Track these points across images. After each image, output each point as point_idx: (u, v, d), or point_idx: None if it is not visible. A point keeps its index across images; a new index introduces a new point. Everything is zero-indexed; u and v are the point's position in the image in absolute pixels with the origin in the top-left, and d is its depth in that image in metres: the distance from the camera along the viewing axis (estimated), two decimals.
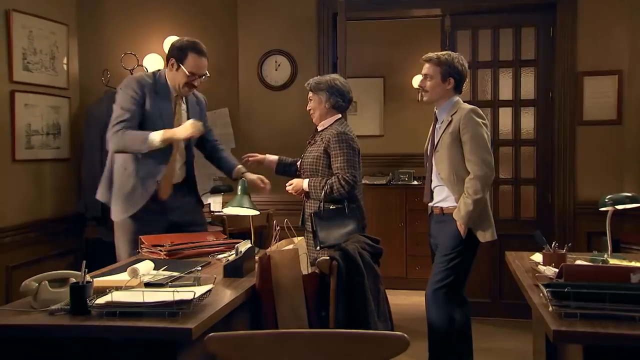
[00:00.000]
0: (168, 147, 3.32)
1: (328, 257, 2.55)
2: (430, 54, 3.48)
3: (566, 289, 1.98)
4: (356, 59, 6.37)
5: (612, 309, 1.95)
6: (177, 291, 2.10)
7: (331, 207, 3.38)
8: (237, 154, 5.13)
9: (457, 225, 3.34)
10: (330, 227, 3.31)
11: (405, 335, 1.45)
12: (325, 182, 3.39)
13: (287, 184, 3.55)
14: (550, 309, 2.03)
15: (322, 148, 3.45)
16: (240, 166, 3.62)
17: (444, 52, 3.50)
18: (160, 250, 3.15)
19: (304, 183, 3.47)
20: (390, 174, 6.61)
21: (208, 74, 3.41)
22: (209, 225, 4.48)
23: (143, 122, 3.29)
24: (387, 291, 5.61)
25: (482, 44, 5.05)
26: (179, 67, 3.29)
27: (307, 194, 3.50)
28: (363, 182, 6.29)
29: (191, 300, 2.06)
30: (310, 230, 3.40)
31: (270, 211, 4.47)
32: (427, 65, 3.47)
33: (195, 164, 5.08)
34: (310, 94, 3.58)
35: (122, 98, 3.29)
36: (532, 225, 4.96)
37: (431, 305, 3.43)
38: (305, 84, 3.63)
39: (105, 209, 4.34)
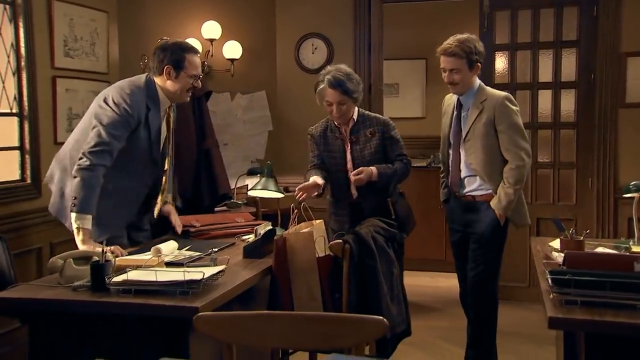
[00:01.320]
0: (150, 169, 3.08)
1: (341, 241, 2.60)
2: (451, 47, 3.27)
3: (567, 276, 1.98)
4: (397, 40, 6.36)
5: (614, 297, 1.94)
6: (187, 271, 2.20)
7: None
8: (274, 136, 5.24)
9: (494, 213, 3.31)
10: (404, 213, 3.35)
11: (384, 319, 1.49)
12: (394, 167, 3.32)
13: (353, 174, 3.24)
14: (551, 295, 2.03)
15: (376, 141, 3.33)
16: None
17: (461, 39, 3.29)
18: (189, 231, 3.27)
19: (374, 171, 3.25)
20: (432, 156, 6.57)
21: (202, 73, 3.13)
22: (244, 207, 4.61)
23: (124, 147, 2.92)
24: (426, 273, 5.78)
25: (521, 25, 4.93)
26: (178, 73, 2.97)
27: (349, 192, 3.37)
28: None
29: (200, 280, 2.16)
30: (392, 218, 3.22)
31: None
32: (450, 59, 3.28)
33: (231, 146, 5.23)
34: (343, 97, 3.25)
35: (113, 117, 2.86)
36: (571, 210, 4.88)
37: (477, 294, 3.41)
38: (331, 87, 3.26)
39: None
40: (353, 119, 3.36)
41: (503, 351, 3.67)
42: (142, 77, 3.06)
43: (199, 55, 3.11)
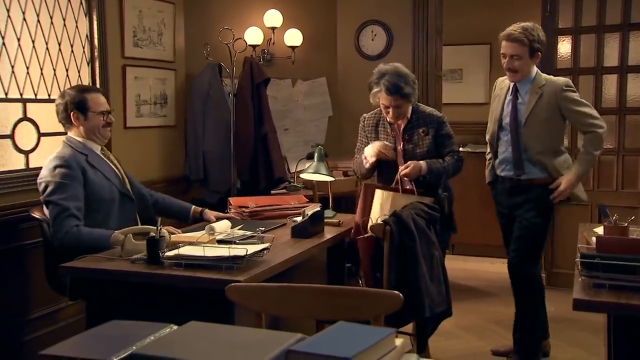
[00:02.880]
0: (127, 205, 3.11)
1: (382, 222, 2.70)
2: (515, 33, 3.29)
3: (596, 260, 2.01)
4: (461, 26, 6.32)
5: None
6: (232, 248, 2.36)
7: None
8: (334, 121, 5.36)
9: (540, 196, 3.35)
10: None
11: (400, 294, 1.59)
12: (445, 162, 3.28)
13: (401, 169, 3.17)
14: (580, 278, 2.06)
15: (429, 140, 3.30)
16: (194, 206, 3.38)
17: (526, 27, 3.32)
18: (244, 211, 3.45)
19: (424, 165, 3.20)
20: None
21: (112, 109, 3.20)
22: (303, 190, 4.76)
23: (89, 195, 2.95)
24: (486, 259, 5.76)
25: (586, 7, 4.83)
26: (85, 114, 3.02)
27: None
28: (466, 149, 6.35)
29: (243, 256, 2.31)
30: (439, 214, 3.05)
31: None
32: (513, 45, 3.31)
33: (292, 131, 5.39)
34: (400, 101, 3.24)
35: (54, 184, 2.88)
36: (636, 197, 4.77)
37: (517, 275, 3.48)
38: (388, 94, 3.22)
39: (207, 172, 4.77)
40: (407, 117, 3.33)
41: (555, 337, 3.69)
42: (61, 145, 3.08)
43: (100, 92, 3.17)
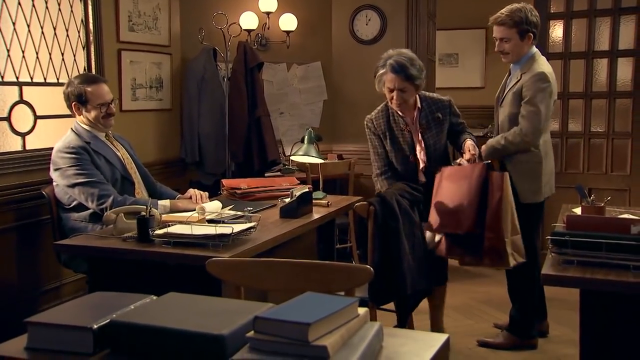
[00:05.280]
0: (127, 188, 3.23)
1: (366, 202, 2.78)
2: (501, 17, 3.33)
3: (565, 237, 2.09)
4: (457, 10, 6.37)
5: (608, 257, 2.04)
6: (219, 226, 2.44)
7: None
8: (329, 105, 5.43)
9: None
10: None
11: (370, 268, 1.68)
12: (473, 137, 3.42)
13: (466, 156, 3.16)
14: (551, 255, 2.14)
15: (442, 126, 3.34)
16: (179, 195, 3.38)
17: (513, 8, 3.33)
18: (236, 193, 3.53)
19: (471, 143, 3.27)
20: (490, 126, 6.57)
21: (115, 98, 3.32)
22: (298, 172, 4.84)
23: None
24: None
25: None
26: (85, 106, 3.17)
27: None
28: None
29: (229, 234, 2.40)
30: None
31: (352, 160, 4.71)
32: (501, 28, 3.34)
33: (287, 115, 5.46)
34: (405, 84, 3.18)
35: (72, 164, 3.07)
36: (624, 181, 4.84)
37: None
38: (393, 72, 3.17)
39: (202, 154, 4.85)
40: (418, 106, 3.29)
41: None
42: (68, 131, 3.23)
43: (103, 82, 3.26)
